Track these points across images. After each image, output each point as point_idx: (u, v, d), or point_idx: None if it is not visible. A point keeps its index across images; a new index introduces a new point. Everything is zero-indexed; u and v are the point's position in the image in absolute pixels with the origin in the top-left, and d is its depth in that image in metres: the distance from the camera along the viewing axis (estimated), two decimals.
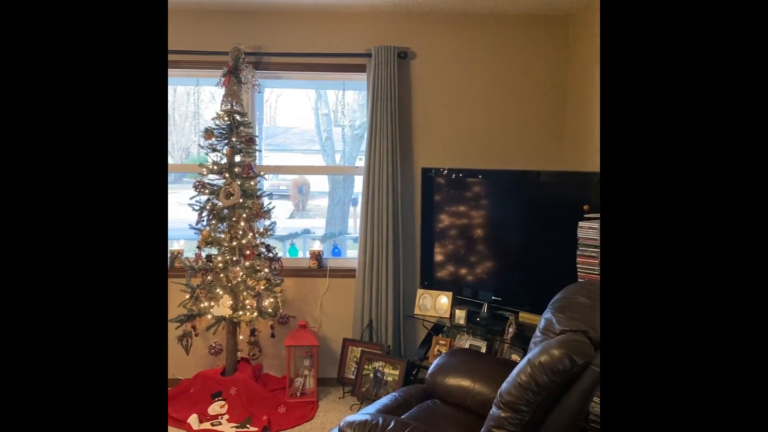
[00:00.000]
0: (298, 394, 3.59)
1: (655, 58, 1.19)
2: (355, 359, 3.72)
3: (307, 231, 6.01)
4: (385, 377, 3.53)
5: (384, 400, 2.73)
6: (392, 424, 2.21)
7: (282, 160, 3.79)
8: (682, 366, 1.17)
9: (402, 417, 2.48)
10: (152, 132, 1.22)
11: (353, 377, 3.69)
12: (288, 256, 4.07)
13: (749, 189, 1.14)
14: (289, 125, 6.54)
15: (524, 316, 3.30)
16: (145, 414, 1.19)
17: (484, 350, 3.36)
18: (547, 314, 2.29)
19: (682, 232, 1.18)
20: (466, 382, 2.70)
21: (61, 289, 1.13)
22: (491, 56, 3.82)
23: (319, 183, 7.58)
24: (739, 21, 1.15)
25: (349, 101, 8.25)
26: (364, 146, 6.60)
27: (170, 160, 6.12)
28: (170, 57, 3.72)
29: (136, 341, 1.19)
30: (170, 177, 7.08)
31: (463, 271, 3.66)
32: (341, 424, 2.27)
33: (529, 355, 2.06)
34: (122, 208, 1.18)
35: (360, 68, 3.78)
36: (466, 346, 3.44)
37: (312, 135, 8.41)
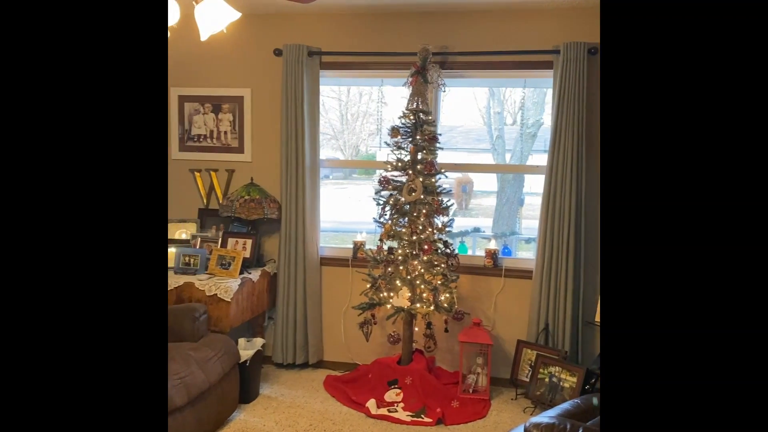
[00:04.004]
0: (471, 391, 3.62)
1: (655, 60, 1.20)
2: (529, 362, 3.66)
3: (477, 229, 6.02)
4: (561, 383, 3.43)
5: (565, 406, 2.65)
6: (580, 430, 2.15)
7: (447, 158, 3.83)
8: (683, 359, 1.18)
9: (587, 424, 2.39)
10: (151, 131, 1.23)
11: (527, 380, 3.63)
12: (458, 253, 4.10)
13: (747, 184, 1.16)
14: (455, 124, 6.59)
15: None
16: (145, 411, 1.19)
17: None
18: None
19: (681, 228, 1.19)
20: None
21: (61, 287, 1.14)
22: None
23: (483, 182, 7.52)
24: (742, 24, 1.16)
25: (516, 99, 8.08)
26: (537, 145, 6.40)
27: (341, 157, 6.49)
28: (357, 59, 3.94)
29: (136, 341, 1.19)
30: (341, 172, 7.47)
31: None
32: (527, 424, 2.25)
33: None
34: (122, 207, 1.19)
35: (545, 65, 3.70)
36: None
37: (477, 134, 8.36)
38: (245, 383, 3.43)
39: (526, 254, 5.24)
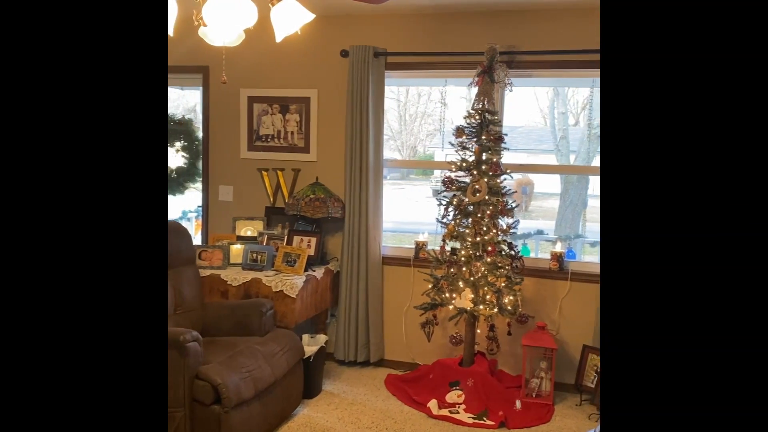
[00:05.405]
0: (534, 395, 3.56)
1: (656, 62, 1.18)
2: (595, 367, 3.57)
3: (540, 232, 5.92)
4: None
5: None
6: None
7: (507, 159, 3.73)
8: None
9: None
10: (152, 133, 1.22)
11: (592, 386, 3.54)
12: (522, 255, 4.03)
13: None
14: (515, 124, 6.48)
15: None
16: (145, 412, 1.19)
17: None
18: None
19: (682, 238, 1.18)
20: None
21: (61, 289, 1.13)
22: None
23: (545, 183, 7.34)
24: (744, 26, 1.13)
25: (579, 99, 7.86)
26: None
27: (398, 157, 6.50)
28: (423, 59, 3.94)
29: (136, 342, 1.18)
30: (398, 173, 7.47)
31: None
32: (596, 431, 2.20)
33: None
34: (123, 209, 1.18)
35: None
36: None
37: (538, 134, 8.19)
38: (309, 379, 3.49)
39: (591, 258, 5.11)
